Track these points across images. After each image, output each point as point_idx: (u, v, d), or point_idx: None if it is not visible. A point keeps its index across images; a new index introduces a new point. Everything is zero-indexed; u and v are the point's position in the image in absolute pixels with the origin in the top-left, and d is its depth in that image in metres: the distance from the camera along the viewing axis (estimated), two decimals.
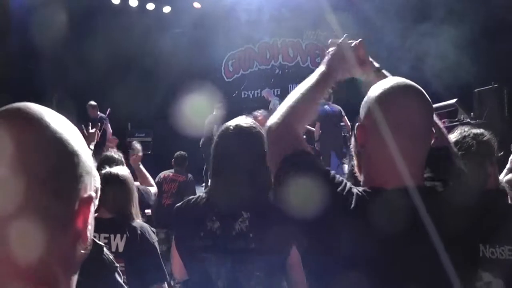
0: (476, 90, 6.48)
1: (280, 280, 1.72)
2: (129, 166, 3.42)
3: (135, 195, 2.66)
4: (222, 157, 1.79)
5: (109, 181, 2.50)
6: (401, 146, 1.13)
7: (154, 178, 5.74)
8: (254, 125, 1.82)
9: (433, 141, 1.21)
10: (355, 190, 1.16)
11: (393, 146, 1.13)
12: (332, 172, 1.19)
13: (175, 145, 6.82)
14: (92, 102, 8.89)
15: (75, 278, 0.71)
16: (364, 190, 1.16)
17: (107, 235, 2.48)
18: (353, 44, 1.45)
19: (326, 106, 8.26)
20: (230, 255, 1.68)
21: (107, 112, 9.04)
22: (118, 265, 1.78)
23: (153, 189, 3.83)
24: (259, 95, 11.81)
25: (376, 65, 1.46)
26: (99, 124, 8.35)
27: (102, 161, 3.27)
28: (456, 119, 5.83)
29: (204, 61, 11.32)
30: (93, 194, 0.69)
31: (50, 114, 0.67)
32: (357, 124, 1.24)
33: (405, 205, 1.10)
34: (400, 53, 8.02)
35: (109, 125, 8.93)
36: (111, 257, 1.75)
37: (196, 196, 1.87)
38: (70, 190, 0.66)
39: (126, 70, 9.55)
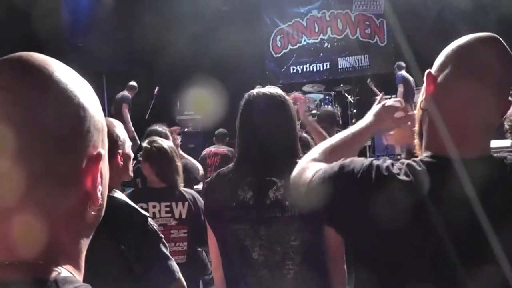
0: None
1: (318, 250, 1.65)
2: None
3: (179, 165, 2.78)
4: (248, 123, 1.74)
5: (154, 152, 2.66)
6: (472, 95, 1.04)
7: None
8: (279, 92, 1.77)
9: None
10: (407, 162, 1.06)
11: (461, 96, 1.04)
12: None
13: (224, 122, 6.88)
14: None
15: (85, 243, 0.66)
16: (419, 160, 1.07)
17: (168, 203, 2.64)
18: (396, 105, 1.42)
19: (403, 72, 8.45)
20: (264, 225, 1.63)
21: (155, 91, 9.18)
22: (162, 236, 1.84)
23: (200, 171, 3.97)
24: (307, 69, 11.66)
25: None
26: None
27: (148, 134, 3.41)
28: None
29: (252, 38, 11.27)
30: (103, 152, 0.64)
31: (55, 64, 0.62)
32: (427, 71, 1.12)
33: (467, 176, 0.99)
34: (450, 14, 7.63)
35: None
36: (156, 227, 1.81)
37: (226, 167, 1.82)
38: (75, 145, 0.61)
39: (174, 49, 9.65)
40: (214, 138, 6.11)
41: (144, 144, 2.76)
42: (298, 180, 1.22)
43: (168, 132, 3.62)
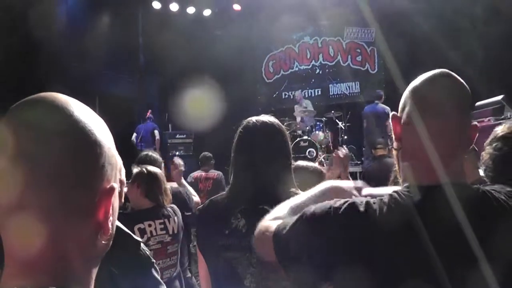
0: None
1: None
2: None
3: (168, 187, 2.98)
4: (243, 151, 1.74)
5: (144, 173, 2.87)
6: (432, 130, 1.09)
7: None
8: (276, 121, 1.78)
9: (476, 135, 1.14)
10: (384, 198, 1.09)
11: (424, 133, 1.09)
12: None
13: (216, 145, 6.90)
14: None
15: (95, 270, 0.70)
16: (399, 191, 1.10)
17: (161, 221, 2.81)
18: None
19: (376, 104, 8.40)
20: (256, 253, 1.57)
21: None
22: (154, 260, 1.83)
23: (196, 199, 3.97)
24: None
25: None
26: None
27: (140, 159, 3.44)
28: (502, 116, 5.58)
29: (244, 63, 11.38)
30: (116, 186, 0.68)
31: (75, 105, 0.67)
32: (392, 113, 1.21)
33: (435, 205, 1.03)
34: (439, 44, 7.78)
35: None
36: (148, 252, 1.80)
37: (220, 194, 1.81)
38: (91, 180, 0.65)
39: (167, 72, 9.72)
40: (199, 162, 6.14)
41: (135, 169, 2.90)
42: (261, 236, 1.21)
43: (159, 157, 3.63)
